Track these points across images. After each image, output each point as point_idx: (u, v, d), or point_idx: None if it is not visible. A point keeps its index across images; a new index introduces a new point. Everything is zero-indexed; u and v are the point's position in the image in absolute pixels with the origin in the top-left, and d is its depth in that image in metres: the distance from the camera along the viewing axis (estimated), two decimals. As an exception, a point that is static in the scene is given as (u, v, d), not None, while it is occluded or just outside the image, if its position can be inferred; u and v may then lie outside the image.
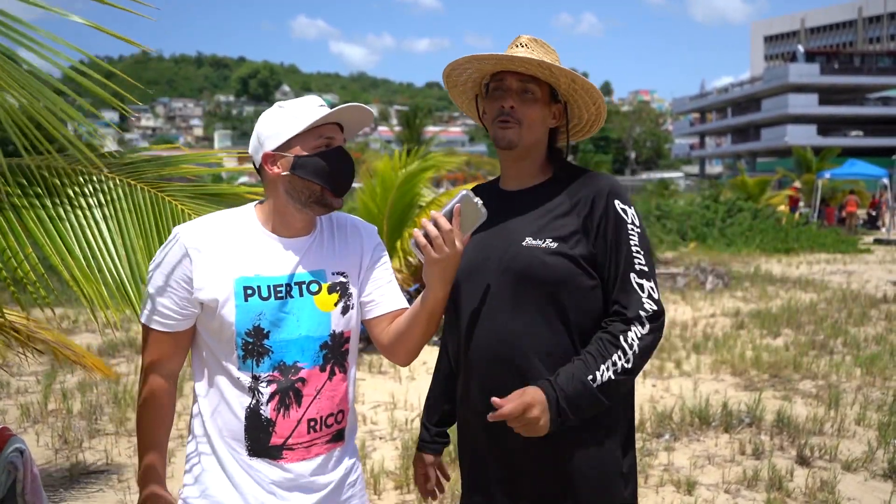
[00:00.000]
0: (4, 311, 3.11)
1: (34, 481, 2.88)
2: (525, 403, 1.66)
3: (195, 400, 1.81)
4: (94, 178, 2.58)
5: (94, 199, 2.54)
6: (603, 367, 1.72)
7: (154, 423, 1.79)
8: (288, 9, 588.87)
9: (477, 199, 1.72)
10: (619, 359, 1.73)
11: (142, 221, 2.58)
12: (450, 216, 1.69)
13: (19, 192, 2.45)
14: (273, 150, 1.74)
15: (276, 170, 1.75)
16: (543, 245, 1.80)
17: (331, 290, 1.81)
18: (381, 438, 5.24)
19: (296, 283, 1.76)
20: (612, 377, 1.72)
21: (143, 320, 1.78)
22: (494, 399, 1.67)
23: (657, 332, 1.77)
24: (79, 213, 2.48)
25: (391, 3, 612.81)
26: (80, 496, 4.23)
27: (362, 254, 1.89)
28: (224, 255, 1.72)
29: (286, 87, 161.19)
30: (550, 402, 1.69)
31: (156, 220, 2.60)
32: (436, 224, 1.69)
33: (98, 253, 2.43)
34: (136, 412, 1.82)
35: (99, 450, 4.97)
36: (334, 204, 1.78)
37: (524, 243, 1.82)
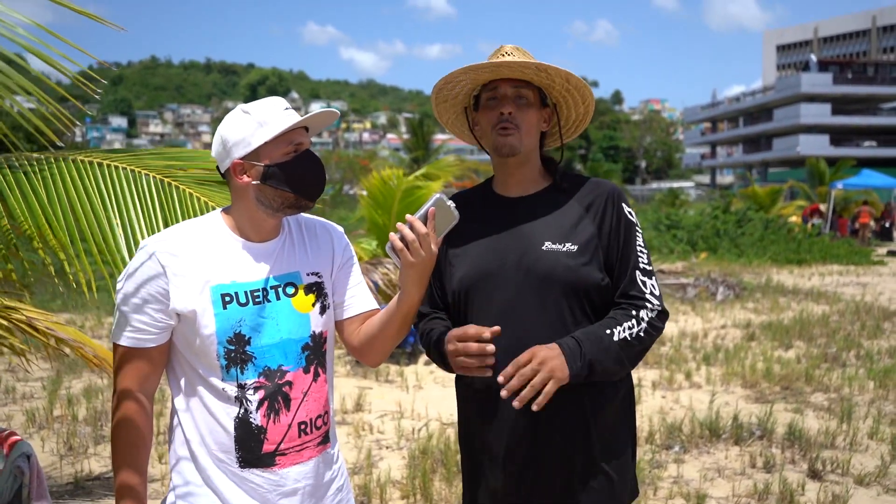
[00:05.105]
0: (22, 306, 3.07)
1: (40, 486, 2.86)
2: (530, 352, 1.73)
3: (174, 417, 1.77)
4: (97, 165, 2.52)
5: (95, 185, 2.47)
6: (618, 328, 1.82)
7: (133, 447, 1.71)
8: (298, 15, 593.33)
9: (450, 203, 1.72)
10: (633, 326, 1.83)
11: (146, 208, 2.51)
12: (424, 220, 1.69)
13: (15, 168, 2.39)
14: (241, 159, 1.70)
15: (245, 179, 1.72)
16: (564, 249, 1.85)
17: (307, 290, 1.80)
18: (387, 448, 5.20)
19: (271, 287, 1.75)
20: (628, 338, 1.81)
21: (116, 340, 1.70)
22: (500, 378, 1.74)
23: (659, 325, 1.87)
24: (81, 199, 2.43)
25: (403, 9, 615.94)
26: (84, 503, 4.21)
27: (333, 254, 1.89)
28: (198, 264, 1.69)
29: (295, 94, 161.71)
30: (571, 350, 1.76)
31: (161, 207, 2.53)
32: (412, 228, 1.68)
33: (101, 239, 2.38)
34: (111, 436, 1.73)
35: (104, 456, 4.96)
36: (308, 206, 1.77)
37: (544, 248, 1.86)
